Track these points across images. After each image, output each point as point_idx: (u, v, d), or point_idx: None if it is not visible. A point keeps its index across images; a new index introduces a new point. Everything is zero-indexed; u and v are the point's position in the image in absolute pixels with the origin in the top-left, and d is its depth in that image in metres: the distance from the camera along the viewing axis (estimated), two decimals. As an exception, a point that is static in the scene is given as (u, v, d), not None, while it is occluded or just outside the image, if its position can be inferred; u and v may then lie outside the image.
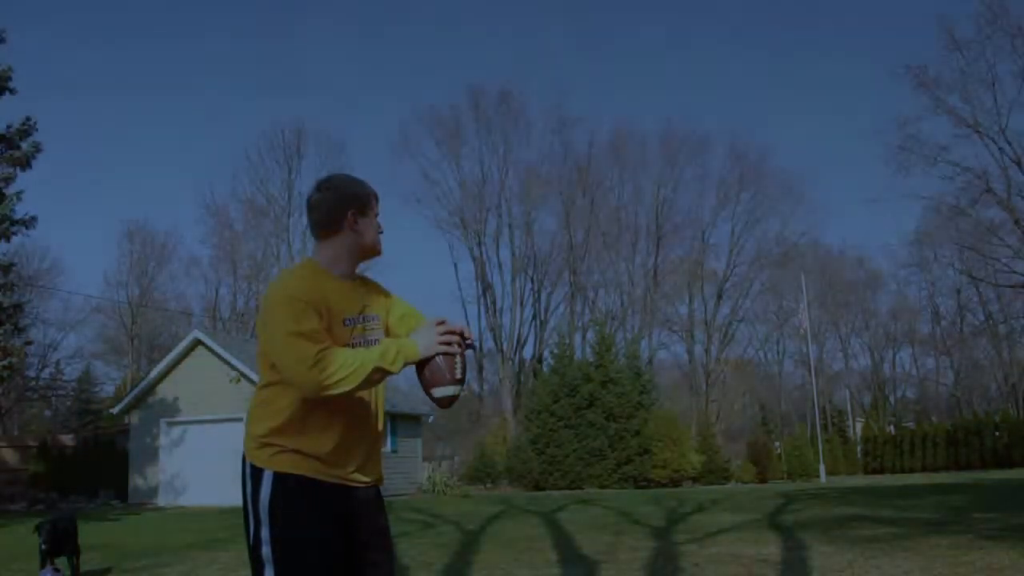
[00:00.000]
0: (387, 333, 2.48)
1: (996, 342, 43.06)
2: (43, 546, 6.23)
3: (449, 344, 2.21)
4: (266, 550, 2.13)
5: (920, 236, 39.07)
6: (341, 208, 2.28)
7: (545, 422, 28.00)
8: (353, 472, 2.25)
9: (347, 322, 2.25)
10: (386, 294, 2.51)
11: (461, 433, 42.45)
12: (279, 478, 2.16)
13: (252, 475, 2.21)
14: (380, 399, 2.37)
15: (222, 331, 37.10)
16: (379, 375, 2.15)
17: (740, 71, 74.57)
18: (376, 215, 2.37)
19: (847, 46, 73.14)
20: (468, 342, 2.26)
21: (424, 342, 2.20)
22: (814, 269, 44.07)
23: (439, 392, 2.23)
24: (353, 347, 2.23)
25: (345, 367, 2.08)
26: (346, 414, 2.23)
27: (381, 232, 2.39)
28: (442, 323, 2.24)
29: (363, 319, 2.31)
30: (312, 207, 2.33)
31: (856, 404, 48.60)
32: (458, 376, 2.24)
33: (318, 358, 2.07)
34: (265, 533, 2.14)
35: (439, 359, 2.21)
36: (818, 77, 76.10)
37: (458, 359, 2.24)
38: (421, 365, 2.22)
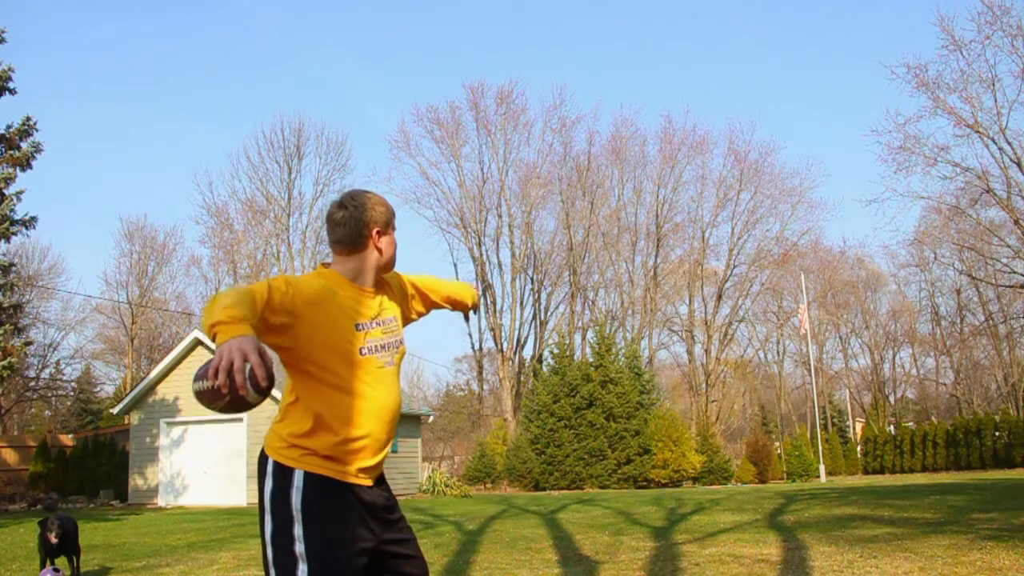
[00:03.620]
0: (406, 321, 2.60)
1: (996, 342, 43.04)
2: (53, 540, 6.26)
3: (216, 377, 1.91)
4: (300, 547, 2.14)
5: (920, 236, 39.05)
6: (366, 228, 2.34)
7: (545, 422, 28.01)
8: (372, 473, 2.32)
9: (359, 327, 2.30)
10: (397, 284, 2.58)
11: (461, 433, 42.47)
12: (311, 477, 2.20)
13: (279, 473, 2.22)
14: (400, 405, 2.44)
15: (222, 331, 37.08)
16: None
17: (741, 71, 74.67)
18: (395, 230, 2.43)
19: (847, 45, 73.28)
20: (226, 388, 1.93)
21: (225, 347, 1.93)
22: (814, 269, 44.06)
23: (193, 387, 2.04)
24: (369, 350, 2.30)
25: (217, 304, 2.01)
26: (376, 420, 2.29)
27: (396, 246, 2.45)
28: (239, 356, 1.92)
29: (376, 323, 2.36)
30: (336, 224, 2.34)
31: (856, 404, 48.61)
32: (202, 400, 2.01)
33: (228, 291, 2.08)
34: (298, 531, 2.16)
35: (208, 368, 1.94)
36: (818, 77, 76.23)
37: (205, 395, 1.99)
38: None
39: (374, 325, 2.34)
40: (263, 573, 2.26)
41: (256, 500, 2.41)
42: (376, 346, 2.33)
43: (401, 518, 2.39)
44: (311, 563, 2.13)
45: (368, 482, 2.30)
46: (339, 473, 2.23)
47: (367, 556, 2.23)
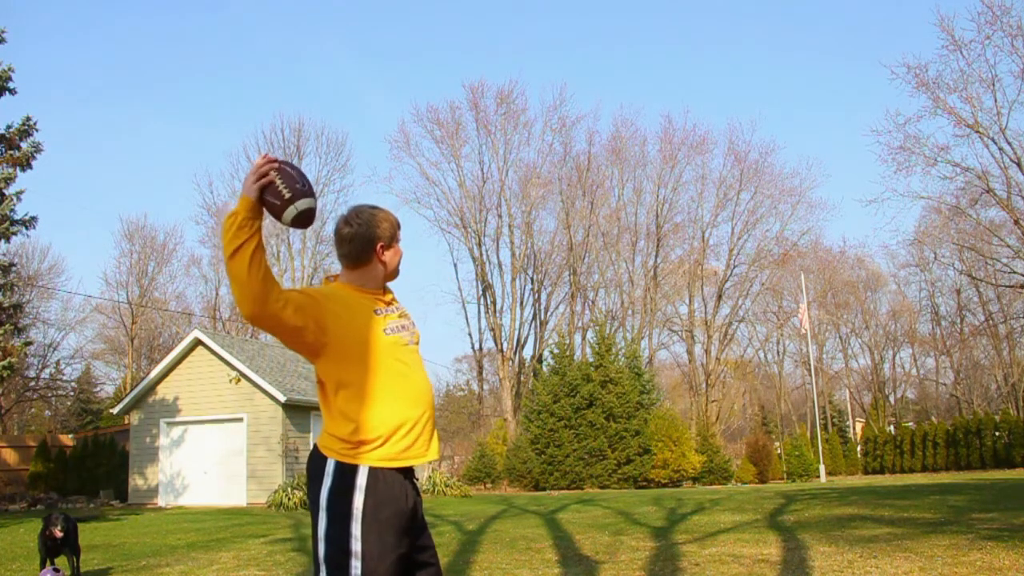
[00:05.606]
0: None
1: (996, 342, 43.02)
2: (58, 535, 6.27)
3: (263, 176, 2.26)
4: (356, 545, 2.25)
5: (920, 236, 39.03)
6: (371, 243, 2.49)
7: (545, 422, 28.00)
8: (430, 449, 2.46)
9: (377, 312, 2.47)
10: None
11: (461, 433, 42.47)
12: (373, 477, 2.31)
13: (340, 473, 2.32)
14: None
15: (222, 331, 37.10)
16: (239, 228, 2.22)
17: (740, 71, 74.68)
18: (399, 241, 2.58)
19: (847, 45, 73.27)
20: (274, 164, 2.29)
21: (245, 187, 2.26)
22: (814, 269, 44.03)
23: (287, 218, 2.31)
24: (392, 329, 2.47)
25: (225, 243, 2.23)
26: (420, 397, 2.44)
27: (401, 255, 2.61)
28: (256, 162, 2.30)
29: (391, 309, 2.54)
30: (343, 240, 2.50)
31: (856, 404, 48.59)
32: (287, 196, 2.28)
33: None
34: (356, 529, 2.26)
35: (265, 194, 2.27)
36: (818, 77, 76.23)
37: (278, 182, 2.26)
38: (265, 208, 2.29)
39: (390, 310, 2.52)
40: (313, 570, 2.36)
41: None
42: (397, 327, 2.49)
43: (426, 525, 2.51)
44: (365, 562, 2.23)
45: (435, 455, 2.46)
46: (399, 460, 2.35)
47: (404, 561, 2.35)
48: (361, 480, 2.30)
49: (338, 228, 2.51)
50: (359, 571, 2.22)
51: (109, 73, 72.00)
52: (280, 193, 2.27)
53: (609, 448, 27.26)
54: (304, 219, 2.34)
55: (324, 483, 2.32)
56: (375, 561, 2.24)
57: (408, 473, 2.42)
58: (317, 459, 2.38)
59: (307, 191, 2.31)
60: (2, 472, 23.82)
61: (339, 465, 2.32)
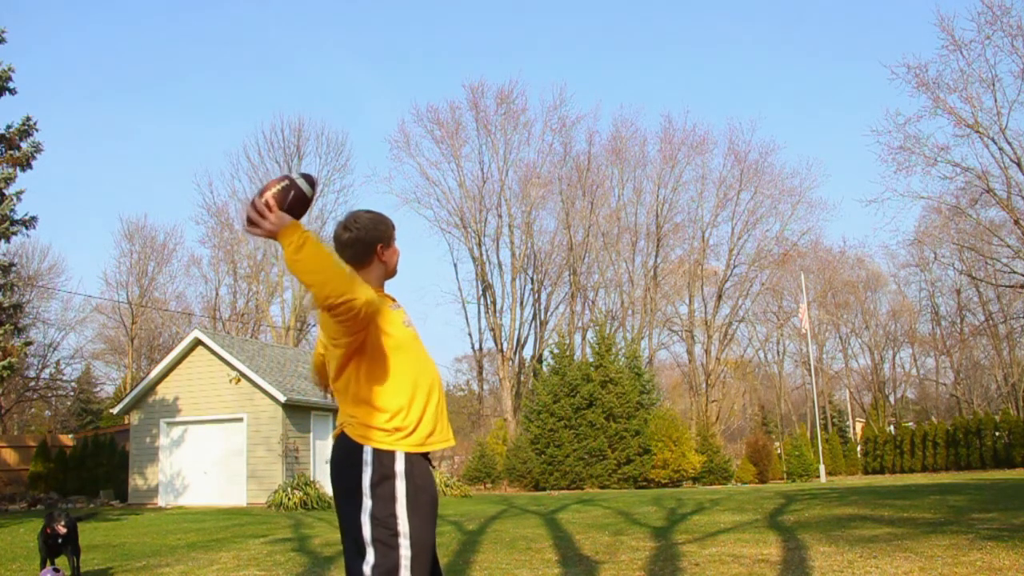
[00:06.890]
0: None
1: (996, 342, 43.01)
2: (62, 531, 6.29)
3: (265, 204, 2.34)
4: (403, 526, 2.37)
5: (920, 236, 39.02)
6: (372, 245, 2.64)
7: (545, 422, 28.00)
8: (450, 433, 2.61)
9: (392, 307, 2.62)
10: None
11: (461, 433, 42.48)
12: (410, 462, 2.44)
13: (379, 460, 2.42)
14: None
15: (222, 331, 37.10)
16: (302, 243, 2.28)
17: (741, 71, 74.69)
18: (395, 241, 2.74)
19: (847, 45, 73.29)
20: (256, 197, 2.39)
21: (273, 228, 2.31)
22: (814, 269, 44.02)
23: (305, 187, 2.44)
24: (407, 323, 2.64)
25: (305, 262, 2.29)
26: (438, 383, 2.61)
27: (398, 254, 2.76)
28: (250, 224, 2.38)
29: (398, 306, 2.69)
30: (344, 245, 2.63)
31: (856, 404, 48.59)
32: (286, 184, 2.40)
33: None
34: (401, 512, 2.38)
35: (285, 205, 2.38)
36: (819, 76, 76.26)
37: (274, 190, 2.38)
38: (294, 213, 2.39)
39: (397, 306, 2.67)
40: (348, 556, 2.46)
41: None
42: (409, 321, 2.68)
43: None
44: (413, 541, 2.37)
45: (453, 440, 2.61)
46: (426, 445, 2.49)
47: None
48: (399, 466, 2.41)
49: (337, 234, 2.64)
50: (408, 551, 2.34)
51: (109, 73, 72.06)
52: (284, 190, 2.39)
53: (609, 448, 27.26)
54: (311, 178, 2.47)
55: (364, 470, 2.41)
56: (420, 542, 2.37)
57: (428, 460, 2.55)
58: (351, 448, 2.46)
59: (285, 173, 2.42)
60: (2, 472, 23.82)
61: (377, 452, 2.43)
